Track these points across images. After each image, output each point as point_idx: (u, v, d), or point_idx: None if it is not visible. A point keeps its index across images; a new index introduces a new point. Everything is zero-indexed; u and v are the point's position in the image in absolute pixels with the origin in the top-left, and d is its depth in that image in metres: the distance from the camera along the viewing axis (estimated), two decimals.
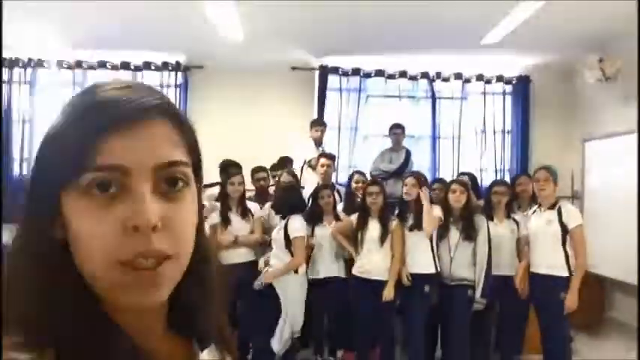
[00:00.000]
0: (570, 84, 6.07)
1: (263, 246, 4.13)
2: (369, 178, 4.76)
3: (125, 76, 6.23)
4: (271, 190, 4.68)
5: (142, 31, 5.32)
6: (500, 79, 6.35)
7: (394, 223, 3.82)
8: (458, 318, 3.77)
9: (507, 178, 5.53)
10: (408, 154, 5.46)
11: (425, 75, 6.30)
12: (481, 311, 3.82)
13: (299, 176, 4.97)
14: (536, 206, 3.87)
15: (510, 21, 4.60)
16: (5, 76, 6.08)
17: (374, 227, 3.81)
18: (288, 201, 3.88)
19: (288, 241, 3.75)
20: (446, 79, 6.33)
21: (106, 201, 0.53)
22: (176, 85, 6.28)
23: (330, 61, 6.23)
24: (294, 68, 6.21)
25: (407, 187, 3.87)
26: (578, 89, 5.85)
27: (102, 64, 6.18)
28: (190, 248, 0.59)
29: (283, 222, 3.82)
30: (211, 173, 4.49)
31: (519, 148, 6.32)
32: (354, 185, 4.54)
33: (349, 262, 4.04)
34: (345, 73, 6.29)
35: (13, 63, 6.13)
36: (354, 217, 3.95)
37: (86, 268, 0.54)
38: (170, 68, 6.24)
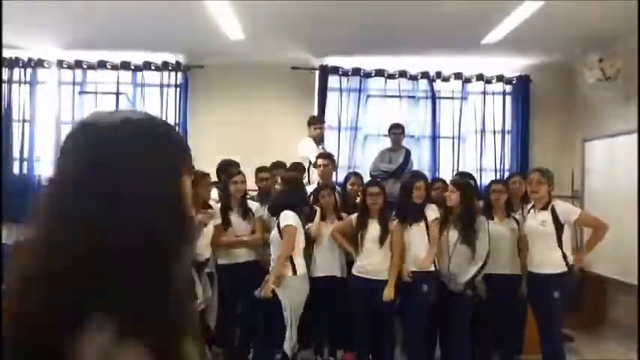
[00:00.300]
0: (570, 84, 6.06)
1: (264, 246, 4.12)
2: (366, 179, 4.76)
3: (125, 76, 6.24)
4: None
5: (142, 31, 5.32)
6: (500, 79, 6.35)
7: (394, 224, 3.82)
8: (457, 317, 3.77)
9: (500, 178, 5.54)
10: (408, 154, 5.47)
11: (425, 75, 6.29)
12: (481, 311, 3.83)
13: (307, 177, 4.98)
14: (531, 207, 3.88)
15: (510, 21, 4.60)
16: (5, 76, 6.08)
17: (374, 227, 3.81)
18: (282, 201, 3.84)
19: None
20: (446, 79, 6.33)
21: None
22: (176, 85, 6.29)
23: (330, 61, 6.22)
24: (294, 68, 6.21)
25: (418, 191, 3.87)
26: (578, 89, 5.85)
27: (102, 64, 6.18)
28: None
29: (277, 221, 3.79)
30: (212, 173, 4.49)
31: (519, 148, 6.31)
32: (349, 187, 4.55)
33: (348, 262, 4.05)
34: (345, 73, 6.29)
35: (13, 63, 6.13)
36: (353, 217, 3.96)
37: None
38: (170, 68, 6.24)
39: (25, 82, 6.19)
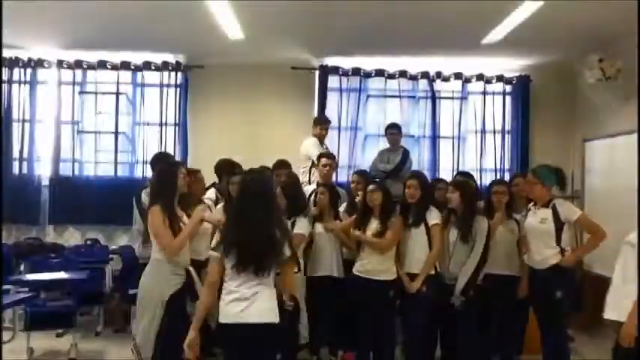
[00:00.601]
0: (570, 84, 6.06)
1: None
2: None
3: (125, 76, 6.24)
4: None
5: (142, 31, 5.32)
6: (500, 79, 6.35)
7: (394, 220, 3.80)
8: (457, 317, 3.76)
9: (507, 178, 5.52)
10: (406, 153, 5.46)
11: (425, 75, 6.29)
12: (482, 311, 3.82)
13: (308, 176, 4.97)
14: (532, 205, 3.88)
15: (510, 21, 4.59)
16: (5, 76, 6.08)
17: (374, 227, 3.80)
18: (294, 202, 3.84)
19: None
20: (446, 79, 6.33)
21: None
22: (176, 85, 6.29)
23: (330, 61, 6.23)
24: (294, 68, 6.21)
25: (409, 189, 3.86)
26: (578, 89, 5.85)
27: (102, 64, 6.18)
28: None
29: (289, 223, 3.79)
30: (212, 173, 4.50)
31: (519, 148, 6.31)
32: (352, 185, 4.54)
33: (346, 262, 4.05)
34: (345, 73, 6.29)
35: (13, 63, 6.13)
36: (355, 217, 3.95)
37: None
38: (170, 68, 6.24)
39: (25, 82, 6.19)
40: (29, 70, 6.18)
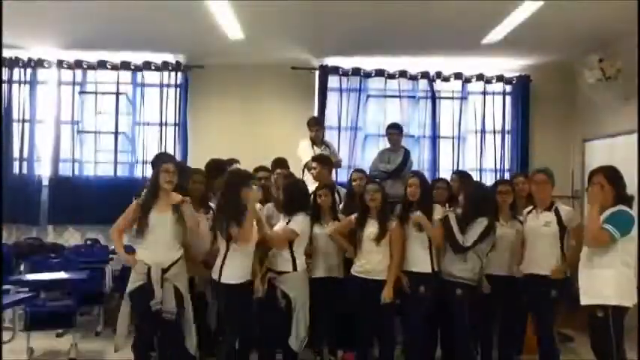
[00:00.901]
0: (570, 84, 6.07)
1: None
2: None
3: (125, 76, 6.24)
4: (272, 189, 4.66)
5: (142, 31, 5.33)
6: (500, 79, 6.35)
7: (394, 224, 3.80)
8: (457, 317, 3.76)
9: (507, 178, 5.52)
10: (407, 154, 5.45)
11: (425, 75, 6.30)
12: (482, 311, 3.82)
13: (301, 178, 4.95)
14: (532, 207, 3.86)
15: (510, 21, 4.60)
16: (5, 76, 6.08)
17: (372, 227, 3.80)
18: (294, 199, 3.83)
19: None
20: (446, 79, 6.33)
21: None
22: (176, 85, 6.29)
23: (330, 61, 6.23)
24: (294, 68, 6.21)
25: (410, 188, 3.86)
26: (578, 89, 5.85)
27: (102, 64, 6.19)
28: None
29: (285, 220, 3.79)
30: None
31: (519, 148, 6.31)
32: (354, 183, 4.53)
33: (346, 262, 4.04)
34: (345, 73, 6.30)
35: (13, 63, 6.13)
36: (352, 217, 3.94)
37: None
38: (170, 68, 6.24)
39: (25, 82, 6.19)
40: (29, 70, 6.18)
